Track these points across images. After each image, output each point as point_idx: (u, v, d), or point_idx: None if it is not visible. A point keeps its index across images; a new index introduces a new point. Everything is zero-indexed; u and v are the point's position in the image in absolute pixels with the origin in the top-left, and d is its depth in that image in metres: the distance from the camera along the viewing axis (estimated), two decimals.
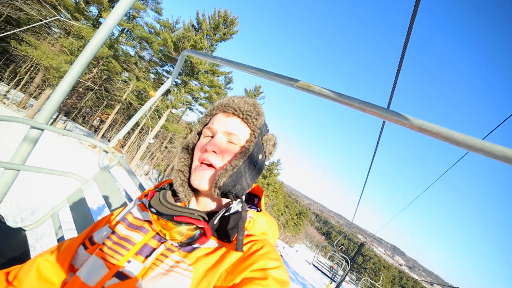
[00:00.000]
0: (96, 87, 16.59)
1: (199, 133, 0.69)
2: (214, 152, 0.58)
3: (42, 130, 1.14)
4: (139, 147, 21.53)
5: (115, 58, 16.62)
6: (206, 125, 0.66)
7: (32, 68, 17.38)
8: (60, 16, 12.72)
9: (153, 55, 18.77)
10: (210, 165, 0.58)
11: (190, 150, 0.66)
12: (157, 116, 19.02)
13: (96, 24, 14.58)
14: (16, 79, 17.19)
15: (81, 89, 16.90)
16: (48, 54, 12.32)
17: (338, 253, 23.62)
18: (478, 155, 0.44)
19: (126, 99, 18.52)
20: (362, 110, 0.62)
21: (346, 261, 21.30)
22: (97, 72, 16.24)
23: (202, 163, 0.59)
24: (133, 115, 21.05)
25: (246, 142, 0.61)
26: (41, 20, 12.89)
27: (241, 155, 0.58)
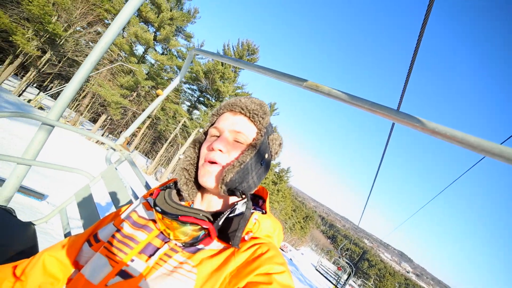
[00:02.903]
0: (134, 109, 19.11)
1: (206, 133, 0.68)
2: (221, 151, 0.58)
3: (53, 126, 1.16)
4: (170, 161, 24.48)
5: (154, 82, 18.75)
6: (213, 124, 0.66)
7: (84, 94, 21.76)
8: (121, 60, 16.23)
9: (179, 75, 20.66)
10: (216, 163, 0.58)
11: (196, 149, 0.66)
12: (186, 134, 21.15)
13: (142, 60, 17.62)
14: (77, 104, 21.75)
15: (127, 112, 19.78)
16: (110, 91, 15.40)
17: (342, 258, 23.52)
18: (495, 160, 0.42)
19: (155, 115, 20.74)
20: (372, 111, 0.60)
21: (350, 267, 21.18)
22: (136, 96, 18.83)
23: (209, 161, 0.59)
24: (161, 130, 22.47)
25: (253, 140, 0.61)
26: (108, 64, 16.38)
27: (248, 152, 0.58)
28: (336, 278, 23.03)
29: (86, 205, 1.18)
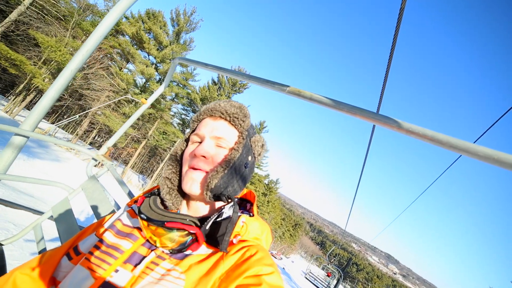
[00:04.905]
0: (134, 134, 20.74)
1: (187, 140, 0.68)
2: (204, 157, 0.58)
3: (27, 137, 1.10)
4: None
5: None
6: (194, 131, 0.66)
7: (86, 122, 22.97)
8: (125, 92, 18.32)
9: (174, 98, 22.51)
10: (200, 170, 0.58)
11: (178, 157, 0.66)
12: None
13: (144, 90, 19.54)
14: (77, 130, 22.43)
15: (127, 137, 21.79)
16: (115, 121, 17.17)
17: (331, 265, 23.87)
18: (472, 161, 0.45)
19: (151, 135, 22.10)
20: (352, 114, 0.63)
21: (339, 272, 21.47)
22: (136, 120, 20.54)
23: (192, 168, 0.58)
24: (151, 145, 22.31)
25: (235, 144, 0.61)
26: (114, 98, 18.38)
27: (230, 157, 0.58)
28: (325, 285, 23.12)
29: (65, 220, 1.11)
